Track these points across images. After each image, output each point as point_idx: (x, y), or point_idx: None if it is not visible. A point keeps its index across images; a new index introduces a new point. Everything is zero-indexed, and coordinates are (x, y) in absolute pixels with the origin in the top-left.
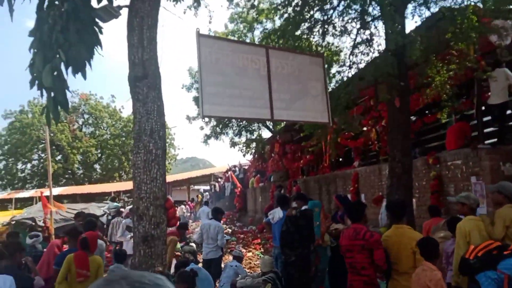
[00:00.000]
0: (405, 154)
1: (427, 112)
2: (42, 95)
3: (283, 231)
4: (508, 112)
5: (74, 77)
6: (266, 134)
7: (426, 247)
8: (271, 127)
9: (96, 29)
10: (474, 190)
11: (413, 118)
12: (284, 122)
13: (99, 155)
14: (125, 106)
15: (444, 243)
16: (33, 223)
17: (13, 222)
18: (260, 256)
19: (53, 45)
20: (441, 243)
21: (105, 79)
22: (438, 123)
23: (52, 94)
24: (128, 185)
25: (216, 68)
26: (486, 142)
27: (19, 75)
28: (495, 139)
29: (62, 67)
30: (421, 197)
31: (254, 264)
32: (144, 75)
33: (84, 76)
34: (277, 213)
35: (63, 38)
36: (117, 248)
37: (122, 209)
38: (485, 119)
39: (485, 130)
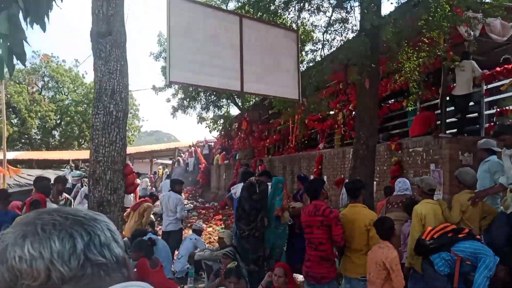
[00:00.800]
0: (371, 136)
1: (393, 100)
2: None
3: (237, 207)
4: (471, 104)
5: (32, 27)
6: (234, 111)
7: (381, 227)
8: (239, 104)
9: None
10: (432, 177)
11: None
12: (253, 100)
13: (59, 121)
14: (89, 72)
15: (401, 225)
16: None
17: None
18: (220, 231)
19: None
20: (396, 225)
21: (69, 41)
22: (402, 110)
23: (8, 44)
24: (87, 153)
25: (186, 32)
26: (448, 131)
27: None
28: (456, 129)
29: (21, 16)
30: (381, 182)
31: (214, 239)
32: (107, 31)
33: (43, 28)
34: (240, 189)
35: None
36: None
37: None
38: (448, 109)
39: (447, 120)
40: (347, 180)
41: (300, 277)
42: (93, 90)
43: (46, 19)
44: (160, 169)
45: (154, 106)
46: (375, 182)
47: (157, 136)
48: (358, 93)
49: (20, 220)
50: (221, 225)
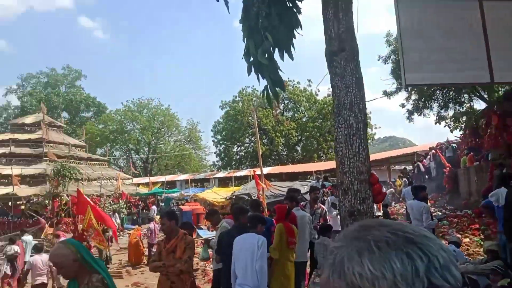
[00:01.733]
0: None
1: None
2: (258, 79)
3: (503, 215)
4: None
5: (282, 59)
6: (479, 105)
7: None
8: (485, 96)
9: (295, 10)
10: None
11: None
12: (503, 89)
13: (299, 137)
14: (320, 90)
15: None
16: (249, 198)
17: (234, 197)
18: (480, 243)
19: (259, 30)
20: None
21: (299, 62)
22: None
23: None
24: (327, 164)
25: (418, 32)
26: None
27: (233, 68)
28: None
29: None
30: None
31: (473, 251)
32: (340, 49)
33: (291, 57)
34: (500, 194)
35: (267, 22)
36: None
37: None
38: None
39: None
40: None
41: None
42: (325, 106)
43: (292, 48)
44: (399, 176)
45: (385, 112)
46: None
47: (391, 141)
48: None
49: (347, 233)
50: (479, 235)
